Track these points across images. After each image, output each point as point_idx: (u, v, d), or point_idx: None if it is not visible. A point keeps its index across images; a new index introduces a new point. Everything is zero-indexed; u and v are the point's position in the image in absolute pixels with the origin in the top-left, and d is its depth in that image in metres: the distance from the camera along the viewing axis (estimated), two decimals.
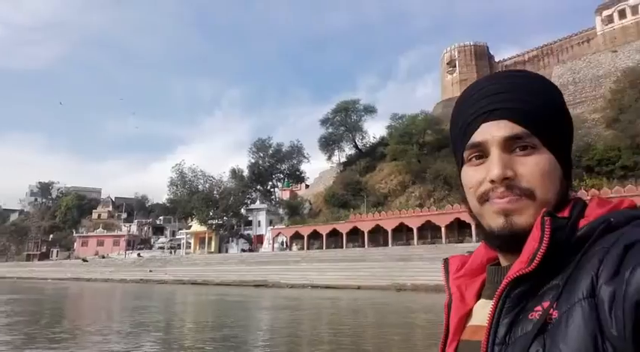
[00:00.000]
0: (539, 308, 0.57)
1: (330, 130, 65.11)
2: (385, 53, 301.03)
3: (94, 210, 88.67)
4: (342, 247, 44.91)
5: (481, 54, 65.58)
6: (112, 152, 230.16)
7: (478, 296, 0.72)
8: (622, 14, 54.52)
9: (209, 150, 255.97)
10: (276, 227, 53.80)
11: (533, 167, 0.63)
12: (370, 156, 60.72)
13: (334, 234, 46.73)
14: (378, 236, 44.85)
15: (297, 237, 49.79)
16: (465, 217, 38.75)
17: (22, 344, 11.08)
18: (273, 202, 64.17)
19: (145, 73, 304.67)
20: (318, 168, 73.40)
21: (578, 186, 36.38)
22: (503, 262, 0.69)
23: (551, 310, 0.55)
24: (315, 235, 47.94)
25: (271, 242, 51.86)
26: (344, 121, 64.27)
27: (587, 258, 0.56)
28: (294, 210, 57.93)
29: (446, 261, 0.79)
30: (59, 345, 10.54)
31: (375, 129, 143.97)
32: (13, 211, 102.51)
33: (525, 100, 0.65)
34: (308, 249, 46.97)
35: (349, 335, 11.91)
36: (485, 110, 0.66)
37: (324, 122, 65.35)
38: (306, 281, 34.43)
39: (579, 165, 38.90)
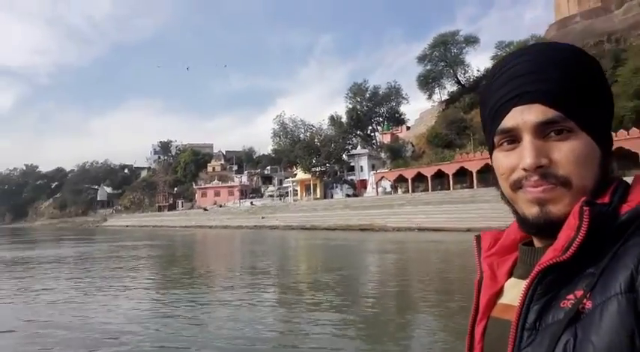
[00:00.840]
0: (571, 296, 0.55)
1: (428, 67, 61.60)
2: None
3: (208, 164, 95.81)
4: (448, 189, 43.61)
5: None
6: (219, 109, 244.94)
7: (509, 274, 0.70)
8: None
9: (307, 100, 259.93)
10: (378, 171, 53.70)
11: (569, 153, 0.59)
12: (475, 91, 56.75)
13: (440, 175, 45.39)
14: (487, 176, 42.60)
15: (400, 180, 49.29)
16: None
17: (171, 282, 12.55)
18: (374, 146, 63.75)
19: (243, 32, 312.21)
20: (419, 109, 70.70)
21: None
22: (537, 243, 0.67)
23: (585, 300, 0.53)
24: (419, 178, 47.03)
25: (375, 186, 52.04)
26: (443, 56, 60.23)
27: (626, 249, 0.53)
28: (396, 153, 57.09)
29: (478, 238, 0.76)
30: (200, 283, 11.77)
31: (478, 62, 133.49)
32: (142, 168, 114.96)
33: (558, 80, 0.60)
34: (413, 191, 46.39)
35: (453, 280, 11.63)
36: (516, 93, 0.62)
37: (422, 59, 61.87)
38: (412, 225, 34.28)
39: None
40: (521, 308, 0.59)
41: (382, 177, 51.31)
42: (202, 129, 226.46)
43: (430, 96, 63.73)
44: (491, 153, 0.69)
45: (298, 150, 60.16)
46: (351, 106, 66.67)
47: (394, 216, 37.96)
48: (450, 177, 43.80)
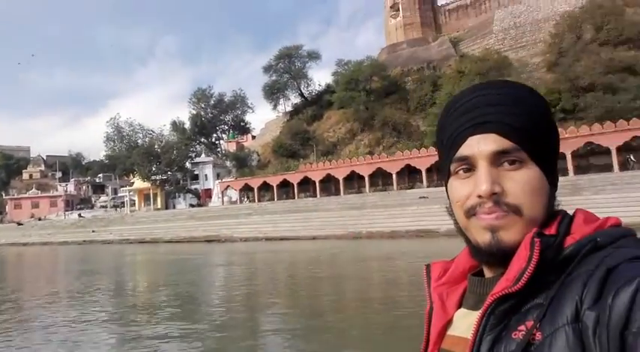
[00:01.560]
0: (522, 327, 0.56)
1: (273, 78, 62.91)
2: None
3: (23, 170, 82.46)
4: (293, 198, 44.71)
5: None
6: (38, 108, 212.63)
7: (459, 305, 0.71)
8: None
9: (144, 104, 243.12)
10: (224, 180, 52.49)
11: (521, 183, 0.62)
12: (317, 104, 59.69)
13: (285, 185, 46.29)
14: (329, 185, 44.92)
15: (246, 189, 48.93)
16: (415, 163, 39.44)
17: None
18: (220, 155, 62.30)
19: (68, 23, 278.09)
20: (264, 119, 71.64)
21: None
22: (487, 273, 0.69)
23: (535, 331, 0.55)
24: (265, 187, 47.29)
25: (220, 195, 50.72)
26: (288, 68, 62.18)
27: (571, 280, 0.56)
28: (241, 162, 56.62)
29: (428, 268, 0.77)
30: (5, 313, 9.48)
31: (319, 77, 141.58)
32: None
33: (513, 113, 0.64)
34: (259, 201, 46.41)
35: (304, 288, 11.68)
36: (473, 123, 0.65)
37: (267, 69, 62.97)
38: (259, 234, 34.11)
39: None
40: (474, 340, 0.60)
41: (228, 186, 50.29)
42: (17, 131, 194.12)
43: (275, 107, 65.11)
44: (446, 182, 0.71)
45: (136, 156, 55.50)
46: (194, 112, 64.40)
47: (241, 227, 37.34)
48: (295, 186, 45.00)
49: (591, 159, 35.70)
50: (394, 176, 40.45)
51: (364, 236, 29.63)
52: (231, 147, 62.88)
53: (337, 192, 43.30)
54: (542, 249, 0.57)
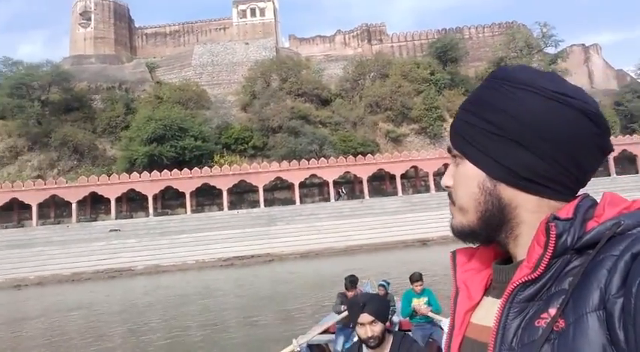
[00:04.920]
0: (545, 315, 0.56)
1: None
2: None
3: None
4: None
5: (121, 14, 59.29)
6: None
7: (485, 291, 0.71)
8: (253, 12, 61.00)
9: None
10: None
11: (456, 176, 0.68)
12: None
13: None
14: None
15: None
16: (103, 191, 33.70)
17: None
18: None
19: None
20: None
21: (218, 161, 37.77)
22: (513, 257, 0.68)
23: (559, 318, 0.54)
24: None
25: None
26: None
27: (595, 266, 0.55)
28: None
29: (453, 254, 0.77)
30: None
31: None
32: None
33: (460, 116, 0.68)
34: None
35: None
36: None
37: None
38: None
39: (219, 142, 40.60)
40: (497, 328, 0.60)
41: None
42: None
43: None
44: None
45: None
46: None
47: None
48: None
49: (276, 193, 38.95)
50: (74, 205, 33.35)
51: (32, 282, 22.30)
52: None
53: None
54: (558, 233, 0.57)
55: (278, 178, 36.57)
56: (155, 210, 34.72)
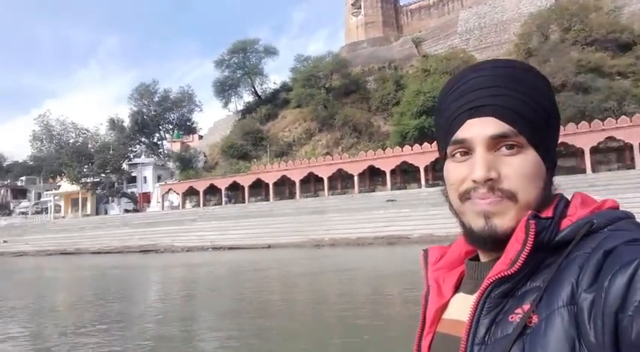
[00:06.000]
0: (519, 310, 0.56)
1: (226, 73, 57.95)
2: (278, 4, 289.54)
3: None
4: (243, 202, 40.06)
5: None
6: None
7: (455, 289, 0.71)
8: None
9: (84, 105, 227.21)
10: (166, 183, 46.96)
11: (518, 169, 0.61)
12: (271, 102, 55.43)
13: (234, 187, 41.62)
14: (283, 188, 40.71)
15: (191, 193, 43.74)
16: (379, 164, 36.04)
17: None
18: (162, 156, 56.39)
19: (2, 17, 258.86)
20: (212, 119, 66.22)
21: None
22: (483, 258, 0.68)
23: (532, 314, 0.55)
24: (212, 190, 42.35)
25: (161, 200, 45.16)
26: (242, 64, 57.51)
27: (568, 263, 0.55)
28: (186, 163, 51.11)
29: (425, 252, 0.76)
30: None
31: (274, 78, 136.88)
32: None
33: (512, 96, 0.62)
34: (204, 205, 41.38)
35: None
36: (471, 106, 0.63)
37: (219, 64, 57.85)
38: (205, 243, 29.36)
39: None
40: (471, 322, 0.60)
41: (169, 190, 44.81)
42: None
43: (226, 105, 60.17)
44: (443, 163, 0.69)
45: (65, 156, 48.75)
46: (136, 109, 57.86)
47: (184, 234, 32.37)
48: (246, 189, 40.41)
49: (560, 160, 33.81)
50: (356, 178, 36.85)
51: (327, 243, 25.62)
52: (175, 148, 57.19)
53: (292, 196, 39.18)
54: (537, 231, 0.57)
55: (562, 144, 31.66)
56: (427, 182, 35.14)
